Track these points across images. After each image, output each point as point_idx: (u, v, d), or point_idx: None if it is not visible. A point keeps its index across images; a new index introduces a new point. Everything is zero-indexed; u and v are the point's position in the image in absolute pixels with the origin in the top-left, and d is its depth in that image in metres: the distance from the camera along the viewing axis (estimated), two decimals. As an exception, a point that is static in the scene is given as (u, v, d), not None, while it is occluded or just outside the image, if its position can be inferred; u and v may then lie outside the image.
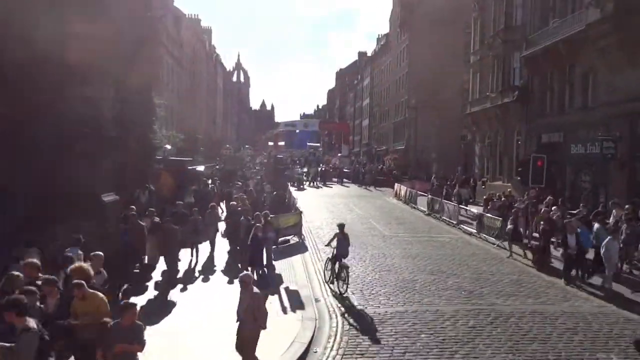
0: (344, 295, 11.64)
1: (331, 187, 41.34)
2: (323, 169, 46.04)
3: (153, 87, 24.71)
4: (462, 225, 21.98)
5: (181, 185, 20.19)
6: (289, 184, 33.72)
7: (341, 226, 12.66)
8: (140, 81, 17.30)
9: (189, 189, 20.78)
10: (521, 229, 16.83)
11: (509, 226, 16.83)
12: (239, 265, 13.60)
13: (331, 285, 12.28)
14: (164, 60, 39.15)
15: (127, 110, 15.35)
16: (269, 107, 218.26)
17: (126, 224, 12.60)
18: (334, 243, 12.54)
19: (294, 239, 18.63)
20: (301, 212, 20.13)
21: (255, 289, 7.65)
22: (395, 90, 61.24)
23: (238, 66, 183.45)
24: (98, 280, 7.89)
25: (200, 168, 23.30)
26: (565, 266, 13.58)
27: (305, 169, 47.59)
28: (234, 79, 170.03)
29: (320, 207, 24.68)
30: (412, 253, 16.68)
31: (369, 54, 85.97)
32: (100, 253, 8.64)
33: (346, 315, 10.57)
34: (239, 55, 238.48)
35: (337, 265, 12.20)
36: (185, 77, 51.61)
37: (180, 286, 12.19)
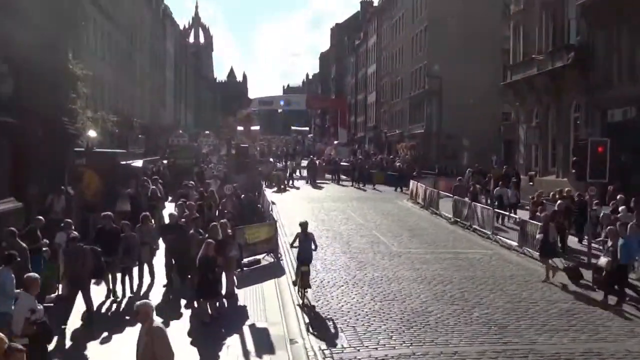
0: (310, 306, 13.33)
1: (322, 187, 41.62)
2: (312, 161, 46.14)
3: (72, 54, 24.73)
4: (499, 236, 22.14)
5: (112, 188, 20.20)
6: (264, 183, 33.85)
7: (303, 225, 14.86)
8: (49, 45, 17.27)
9: (122, 192, 20.78)
10: (553, 239, 17.02)
11: (538, 236, 17.06)
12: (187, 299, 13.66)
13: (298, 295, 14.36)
14: (90, 16, 39.09)
15: (29, 85, 15.32)
16: (239, 78, 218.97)
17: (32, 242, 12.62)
18: (296, 243, 14.97)
19: (266, 259, 18.76)
20: (276, 222, 20.17)
21: (157, 321, 7.58)
22: (411, 53, 61.49)
23: (196, 22, 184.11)
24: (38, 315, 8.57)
25: (138, 163, 23.25)
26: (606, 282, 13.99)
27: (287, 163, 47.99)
28: (191, 39, 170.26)
29: (306, 214, 24.75)
30: (427, 275, 16.83)
31: (375, 3, 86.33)
32: (35, 275, 9.30)
33: (331, 361, 10.64)
34: (196, 7, 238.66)
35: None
36: (122, 41, 51.54)
37: (100, 328, 12.14)
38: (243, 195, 22.87)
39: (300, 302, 13.98)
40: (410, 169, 43.91)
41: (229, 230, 15.35)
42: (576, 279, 15.97)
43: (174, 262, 15.24)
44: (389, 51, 72.19)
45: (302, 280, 14.23)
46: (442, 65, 51.05)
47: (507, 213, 25.09)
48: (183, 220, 16.00)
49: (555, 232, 17.23)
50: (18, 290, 9.37)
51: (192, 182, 24.54)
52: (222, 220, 15.66)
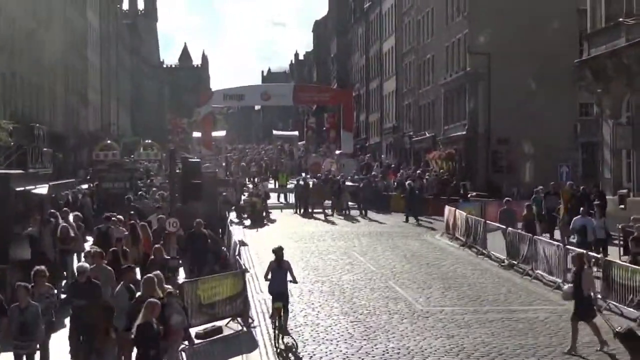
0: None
1: (318, 218, 41.85)
2: (304, 182, 46.40)
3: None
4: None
5: (3, 226, 20.21)
6: (228, 215, 34.06)
7: (277, 251, 17.79)
8: None
9: (19, 232, 20.82)
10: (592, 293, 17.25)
11: (565, 287, 17.67)
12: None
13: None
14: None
15: None
16: (196, 61, 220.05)
17: None
18: (269, 276, 17.74)
19: (230, 326, 18.77)
20: (245, 273, 20.25)
21: None
22: (445, 19, 61.87)
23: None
24: None
25: (43, 189, 23.34)
26: None
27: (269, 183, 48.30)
28: (124, 4, 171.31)
29: (292, 258, 24.82)
30: (466, 345, 16.92)
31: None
32: None
33: None
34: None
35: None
36: (19, 13, 51.92)
37: None
38: (193, 230, 23.09)
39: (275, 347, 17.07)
40: (443, 185, 44.15)
41: (168, 286, 15.39)
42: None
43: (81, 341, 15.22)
44: (412, 17, 72.74)
45: (278, 321, 17.37)
46: (490, 35, 51.47)
47: (594, 254, 24.77)
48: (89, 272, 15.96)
49: (592, 281, 17.28)
50: None
51: (118, 216, 24.70)
52: (155, 272, 15.68)
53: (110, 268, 16.68)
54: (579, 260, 17.48)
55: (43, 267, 14.96)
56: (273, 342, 17.17)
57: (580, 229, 26.24)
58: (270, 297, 17.93)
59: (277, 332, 17.28)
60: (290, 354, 16.63)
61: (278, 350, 16.71)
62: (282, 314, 17.30)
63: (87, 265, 16.03)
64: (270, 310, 18.13)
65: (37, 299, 14.25)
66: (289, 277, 17.75)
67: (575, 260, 17.64)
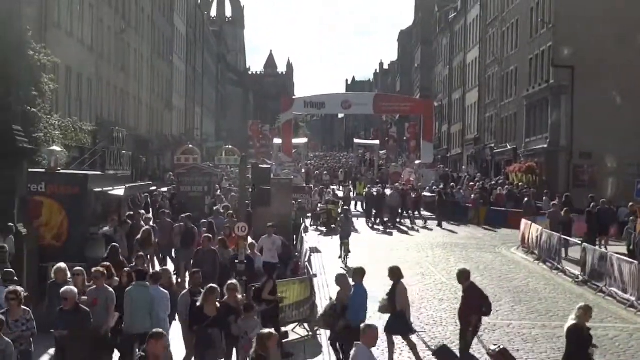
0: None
1: (391, 228, 42.00)
2: (380, 192, 46.41)
3: (35, 35, 25.71)
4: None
5: (76, 226, 20.84)
6: (302, 222, 34.43)
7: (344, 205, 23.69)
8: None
9: (94, 232, 21.44)
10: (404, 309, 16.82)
11: (380, 299, 17.05)
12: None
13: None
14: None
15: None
16: (281, 69, 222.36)
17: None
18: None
19: (297, 331, 19.07)
20: (312, 279, 20.49)
21: None
22: (529, 30, 61.26)
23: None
24: None
25: (119, 191, 23.96)
26: None
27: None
28: (212, 11, 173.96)
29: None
30: (531, 361, 16.78)
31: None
32: None
33: None
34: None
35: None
36: (109, 16, 53.28)
37: None
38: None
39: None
40: (525, 197, 43.60)
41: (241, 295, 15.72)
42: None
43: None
44: (497, 28, 72.21)
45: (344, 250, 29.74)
46: (574, 48, 50.84)
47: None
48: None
49: (406, 297, 16.85)
50: None
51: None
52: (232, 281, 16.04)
53: (111, 290, 15.07)
54: (395, 273, 16.98)
55: (15, 288, 13.53)
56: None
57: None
58: None
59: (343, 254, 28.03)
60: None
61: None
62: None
63: (73, 289, 14.15)
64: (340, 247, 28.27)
65: (10, 328, 12.79)
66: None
67: (390, 274, 17.02)
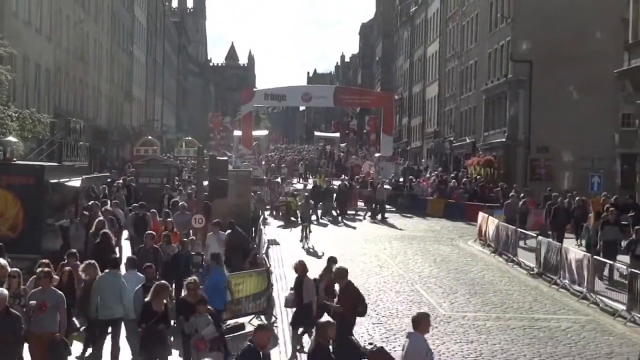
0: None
1: (353, 221, 41.99)
2: (344, 185, 46.56)
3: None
4: (600, 297, 22.23)
5: (32, 217, 20.65)
6: (261, 214, 34.41)
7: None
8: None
9: (50, 223, 21.29)
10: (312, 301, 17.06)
11: (287, 294, 17.71)
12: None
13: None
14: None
15: None
16: (243, 60, 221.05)
17: None
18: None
19: (253, 323, 19.01)
20: (269, 271, 20.54)
21: None
22: (488, 25, 61.67)
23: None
24: None
25: (76, 182, 23.73)
26: None
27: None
28: (173, 2, 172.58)
29: (323, 259, 25.09)
30: (484, 352, 17.10)
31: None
32: None
33: None
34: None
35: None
36: (68, 5, 52.64)
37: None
38: (231, 231, 23.37)
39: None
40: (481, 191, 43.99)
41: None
42: None
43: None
44: (457, 22, 72.57)
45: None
46: (533, 43, 51.27)
47: (620, 265, 24.46)
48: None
49: (312, 289, 17.06)
50: None
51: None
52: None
53: (60, 292, 14.28)
54: (301, 267, 17.38)
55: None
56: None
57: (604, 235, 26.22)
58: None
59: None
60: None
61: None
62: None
63: (4, 291, 13.23)
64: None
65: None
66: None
67: (297, 267, 17.44)
